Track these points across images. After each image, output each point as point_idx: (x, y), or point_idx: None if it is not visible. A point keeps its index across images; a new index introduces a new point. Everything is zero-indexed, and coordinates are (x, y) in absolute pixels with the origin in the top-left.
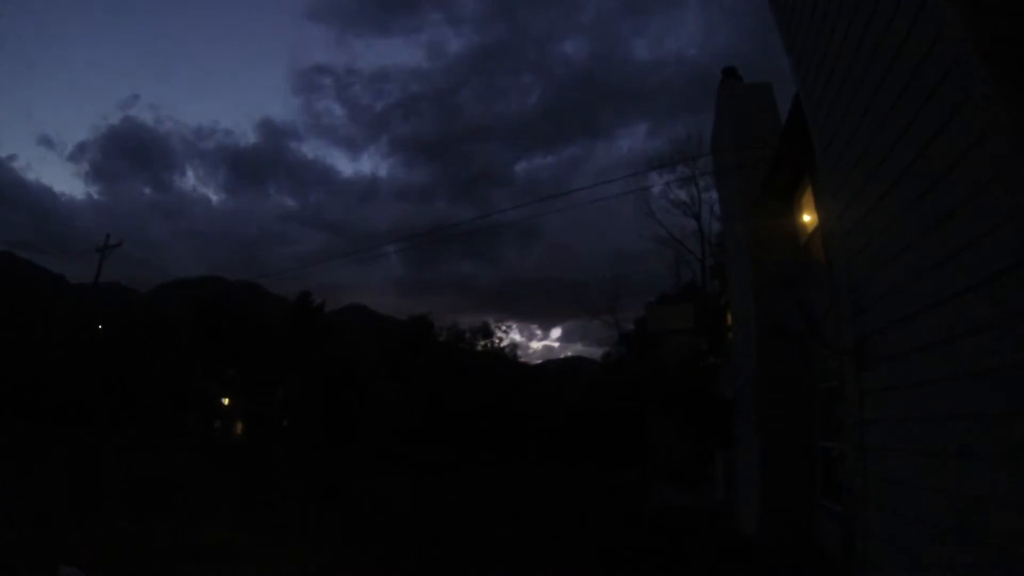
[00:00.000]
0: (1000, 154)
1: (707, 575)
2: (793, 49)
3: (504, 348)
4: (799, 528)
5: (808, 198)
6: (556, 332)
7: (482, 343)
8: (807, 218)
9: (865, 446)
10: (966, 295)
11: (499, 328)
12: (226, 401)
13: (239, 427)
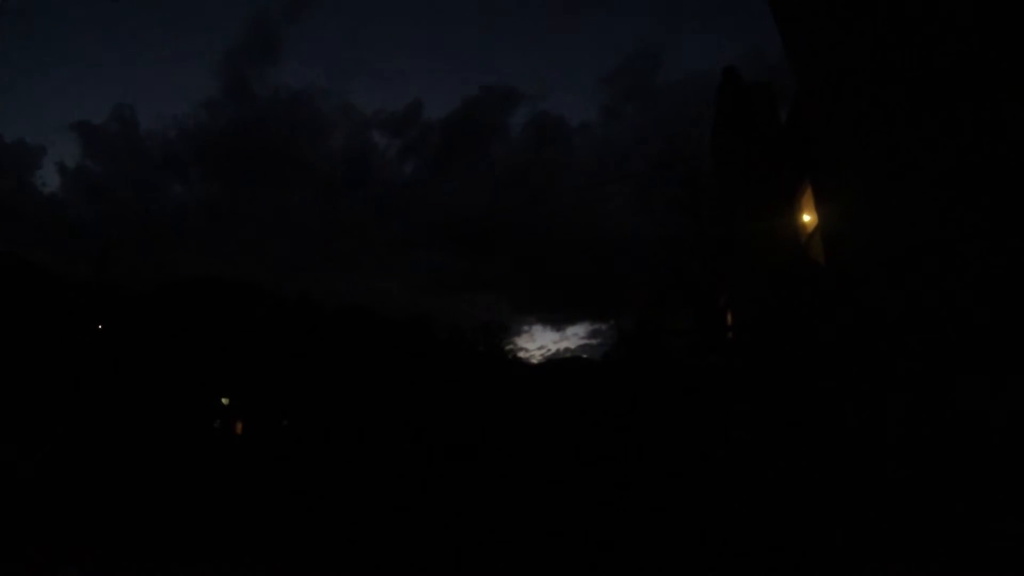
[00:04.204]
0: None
1: (705, 572)
2: (793, 50)
3: (504, 348)
4: (799, 527)
5: (808, 198)
6: (557, 332)
7: (482, 343)
8: (807, 218)
9: (865, 443)
10: (964, 295)
11: (499, 329)
12: (225, 401)
13: (239, 427)
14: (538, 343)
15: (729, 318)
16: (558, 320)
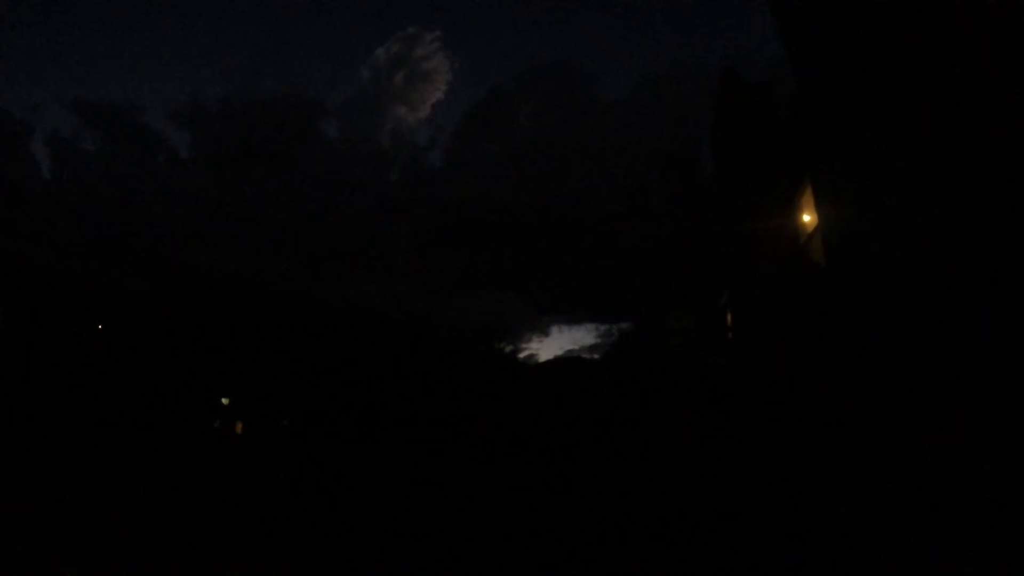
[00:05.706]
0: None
1: (701, 569)
2: (792, 49)
3: (505, 348)
4: (796, 523)
5: (808, 198)
6: (557, 332)
7: (482, 344)
8: (807, 218)
9: (862, 440)
10: (959, 297)
11: (501, 329)
12: (225, 401)
13: (239, 426)
14: (554, 343)
15: (729, 318)
16: (572, 320)
